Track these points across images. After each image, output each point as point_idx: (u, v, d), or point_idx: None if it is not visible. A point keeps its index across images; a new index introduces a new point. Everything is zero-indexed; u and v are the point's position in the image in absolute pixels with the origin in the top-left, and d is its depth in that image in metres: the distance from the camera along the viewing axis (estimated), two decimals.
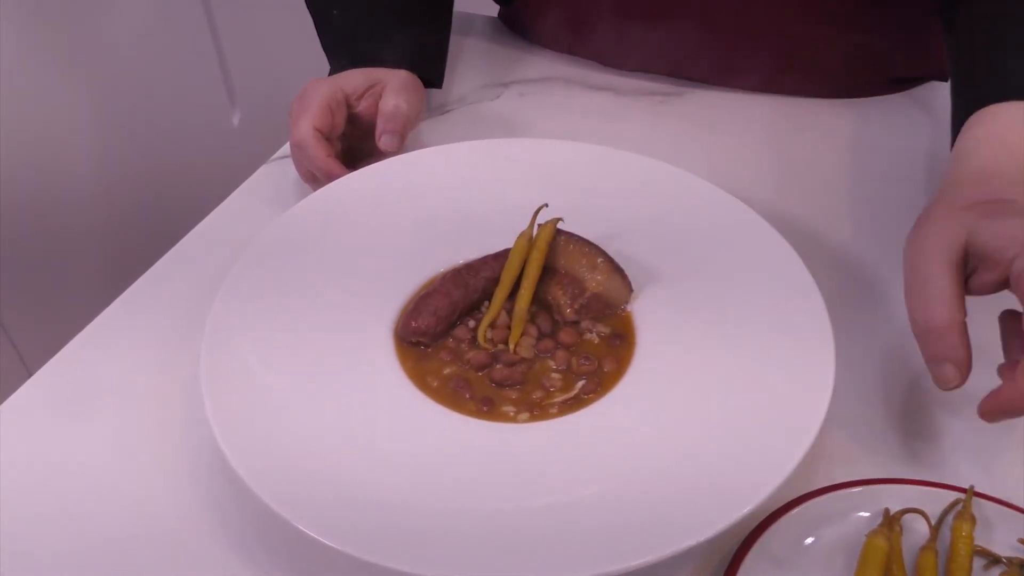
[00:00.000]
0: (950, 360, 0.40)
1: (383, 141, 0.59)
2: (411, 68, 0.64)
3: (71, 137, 1.10)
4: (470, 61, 0.76)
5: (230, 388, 0.44)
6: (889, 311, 0.53)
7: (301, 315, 0.49)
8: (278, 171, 0.64)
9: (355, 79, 0.62)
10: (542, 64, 0.76)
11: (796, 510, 0.40)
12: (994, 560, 0.39)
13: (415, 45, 0.65)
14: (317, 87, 0.60)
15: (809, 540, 0.40)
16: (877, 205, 0.61)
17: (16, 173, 1.04)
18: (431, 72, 0.67)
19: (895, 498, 0.41)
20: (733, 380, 0.45)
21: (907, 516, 0.40)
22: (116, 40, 1.11)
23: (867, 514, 0.41)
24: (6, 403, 0.48)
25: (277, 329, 0.48)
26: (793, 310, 0.47)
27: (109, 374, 0.50)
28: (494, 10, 0.82)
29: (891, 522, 0.40)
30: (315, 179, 0.60)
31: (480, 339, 0.48)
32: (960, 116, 0.49)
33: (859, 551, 0.39)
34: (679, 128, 0.69)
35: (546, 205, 0.52)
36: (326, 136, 0.59)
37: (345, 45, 0.65)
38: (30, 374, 0.50)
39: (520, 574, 0.37)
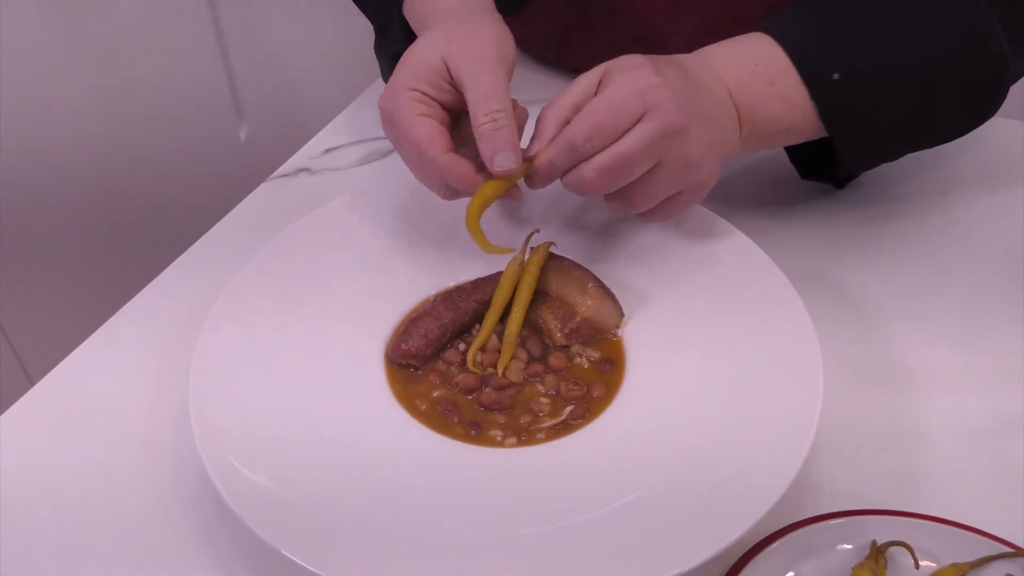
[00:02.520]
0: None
1: (497, 163, 0.46)
2: None
3: (77, 147, 1.11)
4: None
5: (218, 410, 0.44)
6: (880, 335, 0.53)
7: (291, 336, 0.49)
8: (277, 190, 0.65)
9: (430, 64, 0.49)
10: (538, 86, 0.75)
11: (777, 543, 0.40)
12: None
13: None
14: (395, 98, 0.48)
15: (791, 574, 0.40)
16: (869, 228, 0.61)
17: (22, 181, 1.05)
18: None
19: (880, 529, 0.41)
20: (722, 409, 0.45)
21: (894, 549, 0.40)
22: (125, 52, 1.12)
23: (850, 547, 0.41)
24: (5, 414, 0.49)
25: (267, 350, 0.48)
26: (783, 339, 0.47)
27: (105, 387, 0.50)
28: None
29: (876, 554, 0.40)
30: (452, 190, 0.50)
31: (469, 363, 0.49)
32: None
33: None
34: None
35: (538, 230, 0.52)
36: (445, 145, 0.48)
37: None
38: (31, 380, 0.51)
39: None
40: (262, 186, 0.65)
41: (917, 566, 0.40)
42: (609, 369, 0.49)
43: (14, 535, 0.43)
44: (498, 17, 0.53)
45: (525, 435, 0.45)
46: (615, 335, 0.51)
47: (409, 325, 0.49)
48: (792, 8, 0.53)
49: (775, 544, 0.40)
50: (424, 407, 0.47)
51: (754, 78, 0.51)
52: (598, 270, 0.52)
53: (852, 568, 0.40)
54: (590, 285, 0.50)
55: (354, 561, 0.38)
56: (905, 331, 0.53)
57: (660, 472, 0.42)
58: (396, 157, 0.61)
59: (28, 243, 1.08)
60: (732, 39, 0.53)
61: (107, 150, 1.14)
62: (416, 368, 0.49)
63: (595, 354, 0.50)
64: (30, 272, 1.09)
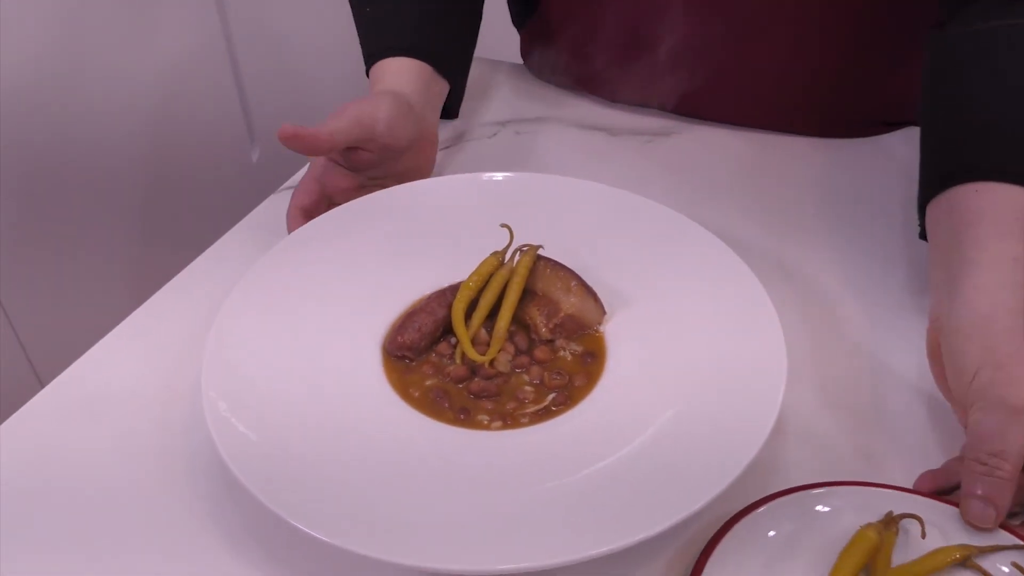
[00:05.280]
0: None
1: None
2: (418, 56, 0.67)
3: (94, 158, 1.16)
4: (474, 103, 0.81)
5: (228, 397, 0.47)
6: (847, 335, 0.57)
7: (297, 330, 0.52)
8: (285, 200, 0.69)
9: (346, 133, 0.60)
10: (540, 105, 0.81)
11: (760, 509, 0.43)
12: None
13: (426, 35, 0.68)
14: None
15: (772, 532, 0.43)
16: (850, 241, 0.65)
17: (35, 186, 1.09)
18: (444, 62, 0.68)
19: (879, 502, 0.44)
20: (692, 393, 0.48)
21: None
22: (142, 75, 1.17)
23: (827, 508, 0.44)
24: (26, 406, 0.53)
25: (273, 344, 0.51)
26: (752, 334, 0.50)
27: (119, 384, 0.54)
28: (504, 53, 0.88)
29: (889, 522, 0.42)
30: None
31: (457, 358, 0.52)
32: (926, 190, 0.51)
33: (822, 541, 0.42)
34: (664, 164, 0.74)
35: (526, 245, 0.56)
36: (330, 202, 0.62)
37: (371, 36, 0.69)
38: (40, 381, 0.54)
39: (484, 562, 0.40)
40: (271, 197, 0.70)
41: (923, 536, 0.42)
42: (591, 361, 0.52)
43: (38, 518, 0.46)
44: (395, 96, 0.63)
45: (510, 419, 0.49)
46: (597, 331, 0.54)
47: (405, 320, 0.53)
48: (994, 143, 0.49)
49: (759, 509, 0.43)
50: (417, 394, 0.50)
51: None
52: (583, 271, 0.56)
53: (860, 526, 0.42)
54: (573, 284, 0.54)
55: (352, 528, 0.41)
56: (872, 328, 0.57)
57: (632, 447, 0.45)
58: None
59: (45, 245, 1.12)
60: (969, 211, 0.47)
61: (128, 164, 1.20)
62: (411, 359, 0.52)
63: (578, 348, 0.53)
64: (45, 273, 1.12)
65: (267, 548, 0.45)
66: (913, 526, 0.43)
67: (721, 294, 0.54)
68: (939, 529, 0.43)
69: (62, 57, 1.07)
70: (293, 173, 0.72)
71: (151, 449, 0.50)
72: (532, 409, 0.49)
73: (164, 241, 1.24)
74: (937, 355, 0.47)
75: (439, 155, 0.72)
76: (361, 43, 0.70)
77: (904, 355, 0.55)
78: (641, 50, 0.75)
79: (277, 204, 0.69)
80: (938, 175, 0.51)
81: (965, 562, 0.42)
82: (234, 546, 0.45)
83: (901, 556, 0.42)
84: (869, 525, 0.42)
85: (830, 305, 0.59)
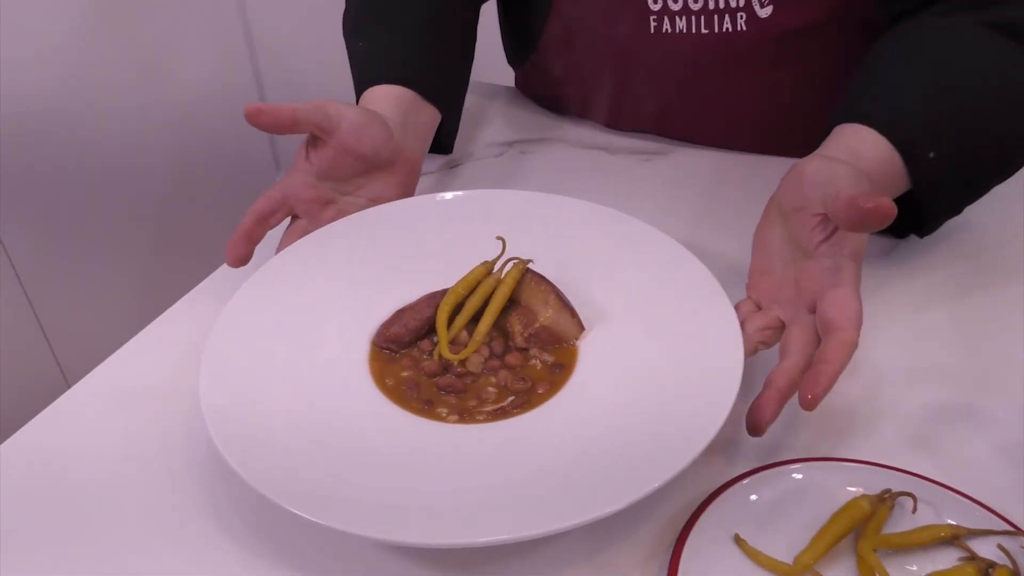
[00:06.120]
0: None
1: None
2: (409, 85, 0.70)
3: (126, 173, 1.26)
4: (481, 124, 0.87)
5: (224, 375, 0.53)
6: None
7: (294, 327, 0.58)
8: None
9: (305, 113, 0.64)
10: (543, 127, 0.86)
11: (743, 481, 0.47)
12: (972, 556, 0.43)
13: (417, 68, 0.72)
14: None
15: (753, 497, 0.47)
16: None
17: (72, 197, 1.19)
18: (435, 92, 0.72)
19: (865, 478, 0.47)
20: (646, 401, 0.52)
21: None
22: (176, 99, 1.29)
23: (800, 476, 0.47)
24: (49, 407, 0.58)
25: (270, 335, 0.57)
26: (712, 352, 0.53)
27: (137, 383, 0.59)
28: (509, 77, 0.94)
29: (885, 498, 0.45)
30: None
31: (435, 355, 0.57)
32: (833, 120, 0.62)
33: (809, 509, 0.46)
34: (660, 183, 0.77)
35: (516, 259, 0.60)
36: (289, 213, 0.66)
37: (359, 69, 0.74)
38: (67, 381, 0.61)
39: (434, 536, 0.44)
40: None
41: (914, 511, 0.45)
42: (558, 372, 0.56)
43: (65, 509, 0.51)
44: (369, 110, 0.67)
45: (467, 415, 0.53)
46: (573, 345, 0.58)
47: (394, 315, 0.59)
48: (876, 94, 0.62)
49: (744, 481, 0.47)
50: (391, 383, 0.55)
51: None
52: (571, 287, 0.60)
53: (852, 497, 0.45)
54: (552, 298, 0.58)
55: (319, 503, 0.45)
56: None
57: (574, 444, 0.50)
58: None
59: (74, 255, 1.22)
60: (840, 133, 0.60)
61: (160, 180, 1.31)
62: (394, 351, 0.58)
63: (550, 358, 0.57)
64: (73, 280, 1.22)
65: (247, 519, 0.50)
66: (907, 503, 0.46)
67: (688, 310, 0.57)
68: (932, 508, 0.45)
69: (98, 78, 1.17)
70: None
71: (174, 442, 0.54)
72: (490, 408, 0.54)
73: (189, 253, 1.34)
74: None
75: (448, 173, 0.77)
76: (353, 76, 0.74)
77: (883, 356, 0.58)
78: (633, 85, 0.80)
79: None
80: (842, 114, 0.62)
81: (952, 541, 0.44)
82: (222, 522, 0.50)
83: (891, 529, 0.45)
84: (864, 496, 0.45)
85: None
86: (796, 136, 0.73)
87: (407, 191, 0.71)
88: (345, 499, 0.46)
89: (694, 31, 0.74)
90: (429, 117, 0.73)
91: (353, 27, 0.77)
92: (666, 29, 0.74)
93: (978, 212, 0.68)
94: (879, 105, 0.61)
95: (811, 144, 0.62)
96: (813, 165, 0.56)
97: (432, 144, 0.75)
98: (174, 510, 0.51)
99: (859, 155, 0.58)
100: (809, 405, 0.47)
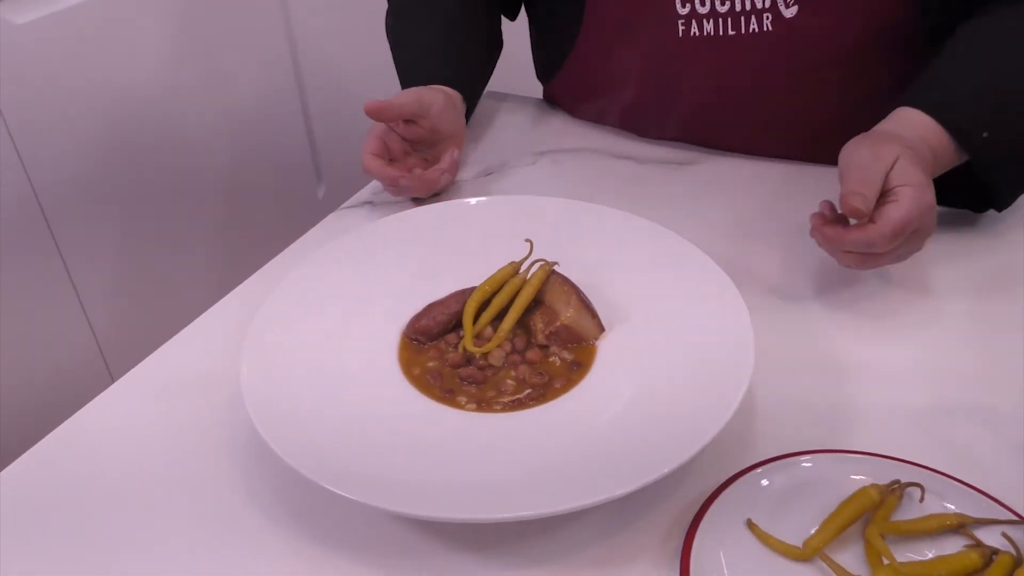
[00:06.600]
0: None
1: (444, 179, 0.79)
2: (448, 85, 0.83)
3: (178, 182, 1.31)
4: (515, 134, 0.91)
5: (266, 357, 0.56)
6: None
7: (333, 315, 0.61)
8: (344, 216, 0.79)
9: (410, 106, 0.78)
10: (575, 137, 0.89)
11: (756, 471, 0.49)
12: (977, 544, 0.44)
13: (452, 71, 0.85)
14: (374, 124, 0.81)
15: (765, 483, 0.48)
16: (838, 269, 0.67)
17: (134, 190, 1.24)
18: (465, 89, 0.86)
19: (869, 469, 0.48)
20: (658, 395, 0.53)
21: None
22: (227, 119, 1.35)
23: (811, 466, 0.49)
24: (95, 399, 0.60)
25: (309, 324, 0.60)
26: (725, 353, 0.54)
27: (185, 370, 0.62)
28: (539, 90, 0.99)
29: (895, 488, 0.46)
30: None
31: (460, 348, 0.59)
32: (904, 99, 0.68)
33: (819, 496, 0.47)
34: (687, 192, 0.80)
35: (542, 260, 0.62)
36: (389, 156, 0.79)
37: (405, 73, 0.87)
38: (112, 375, 0.63)
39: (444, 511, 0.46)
40: (333, 214, 0.79)
41: (922, 500, 0.46)
42: (576, 370, 0.57)
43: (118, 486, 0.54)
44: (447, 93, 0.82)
45: (485, 404, 0.55)
46: (593, 344, 0.59)
47: (425, 309, 0.61)
48: (930, 80, 0.68)
49: (758, 470, 0.49)
50: (416, 372, 0.57)
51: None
52: (595, 290, 0.62)
53: (862, 486, 0.46)
54: (574, 299, 0.60)
55: (346, 475, 0.48)
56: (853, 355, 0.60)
57: (597, 432, 0.52)
58: (446, 193, 0.79)
59: (129, 258, 1.26)
60: (894, 119, 0.66)
61: (208, 191, 1.37)
62: (422, 343, 0.60)
63: (569, 356, 0.59)
64: (123, 279, 1.27)
65: (278, 491, 0.53)
66: (915, 493, 0.47)
67: (712, 321, 0.58)
68: (939, 498, 0.46)
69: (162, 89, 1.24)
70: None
71: (217, 429, 0.57)
72: (507, 399, 0.55)
73: (232, 258, 1.42)
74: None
75: (484, 179, 0.83)
76: (400, 79, 0.87)
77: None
78: (663, 97, 0.83)
79: (338, 219, 0.79)
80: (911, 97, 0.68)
81: (958, 529, 0.44)
82: (255, 494, 0.53)
83: (899, 518, 0.46)
84: (873, 485, 0.46)
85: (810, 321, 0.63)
86: (824, 144, 0.76)
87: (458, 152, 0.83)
88: (370, 476, 0.48)
89: (721, 33, 0.76)
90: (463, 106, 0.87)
91: (393, 32, 0.91)
92: (694, 32, 0.77)
93: (995, 216, 0.71)
94: (930, 89, 0.67)
95: (836, 152, 0.64)
96: (850, 147, 0.63)
97: (468, 96, 0.88)
98: (215, 492, 0.53)
99: (921, 136, 0.64)
100: (811, 232, 0.63)
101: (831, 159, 0.64)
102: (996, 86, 0.66)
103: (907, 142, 0.63)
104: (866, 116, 0.68)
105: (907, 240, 0.61)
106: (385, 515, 0.51)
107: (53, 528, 0.51)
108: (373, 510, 0.48)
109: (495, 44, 0.94)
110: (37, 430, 0.58)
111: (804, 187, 0.79)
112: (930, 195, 0.61)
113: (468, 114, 0.90)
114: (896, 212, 0.59)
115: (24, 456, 0.56)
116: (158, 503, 0.53)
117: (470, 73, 0.89)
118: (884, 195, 0.60)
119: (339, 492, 0.46)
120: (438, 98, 0.80)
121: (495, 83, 0.95)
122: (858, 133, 0.65)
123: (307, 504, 0.52)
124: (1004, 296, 0.65)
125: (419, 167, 0.80)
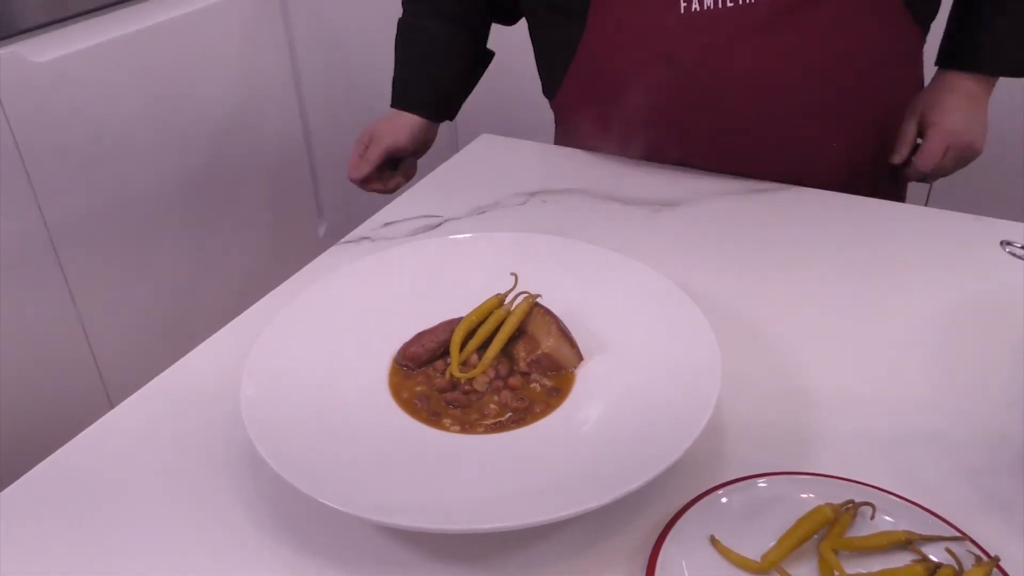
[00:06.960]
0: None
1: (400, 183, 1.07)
2: (424, 109, 1.02)
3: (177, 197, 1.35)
4: (509, 176, 0.95)
5: (263, 380, 0.59)
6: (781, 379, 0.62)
7: (328, 342, 0.64)
8: (342, 251, 0.83)
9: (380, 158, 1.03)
10: (567, 179, 0.94)
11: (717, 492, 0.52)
12: (923, 559, 0.47)
13: (429, 95, 1.03)
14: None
15: (727, 502, 0.51)
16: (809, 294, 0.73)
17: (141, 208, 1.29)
18: (441, 111, 1.05)
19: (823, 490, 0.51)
20: (629, 419, 0.57)
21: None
22: (228, 158, 1.41)
23: (770, 487, 0.52)
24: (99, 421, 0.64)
25: (306, 349, 0.63)
26: (693, 381, 0.58)
27: (186, 392, 0.65)
28: (540, 134, 1.05)
29: (848, 507, 0.49)
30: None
31: (447, 374, 0.62)
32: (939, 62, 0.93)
33: (778, 515, 0.50)
34: (667, 231, 0.84)
35: (526, 293, 0.66)
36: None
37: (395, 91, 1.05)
38: (111, 402, 0.66)
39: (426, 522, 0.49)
40: (331, 249, 0.83)
41: (872, 518, 0.50)
42: (555, 395, 0.61)
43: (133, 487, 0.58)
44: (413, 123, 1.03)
45: (468, 426, 0.58)
46: (572, 372, 0.63)
47: (415, 337, 0.65)
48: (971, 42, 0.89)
49: (719, 491, 0.52)
50: (405, 396, 0.61)
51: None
52: (575, 321, 0.65)
53: (817, 505, 0.49)
54: (554, 329, 0.63)
55: (343, 490, 0.51)
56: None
57: (572, 452, 0.55)
58: (440, 230, 0.83)
59: (128, 276, 1.30)
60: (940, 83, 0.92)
61: (211, 227, 1.42)
62: (412, 368, 0.63)
63: (549, 383, 0.62)
64: (123, 298, 1.30)
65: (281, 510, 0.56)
66: (868, 511, 0.50)
67: (683, 351, 0.61)
68: (890, 516, 0.50)
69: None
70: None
71: (214, 444, 0.60)
72: (489, 421, 0.59)
73: (235, 289, 1.47)
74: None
75: (476, 218, 0.88)
76: (393, 88, 1.03)
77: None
78: (657, 115, 0.89)
79: (335, 254, 0.82)
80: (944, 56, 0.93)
81: (907, 545, 0.48)
82: (251, 510, 0.55)
83: (852, 535, 0.49)
84: (828, 504, 0.49)
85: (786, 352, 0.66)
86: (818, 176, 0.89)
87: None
88: (360, 490, 0.52)
89: (719, 5, 0.82)
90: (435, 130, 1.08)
91: (395, 50, 1.06)
92: (695, 8, 0.83)
93: (955, 256, 0.76)
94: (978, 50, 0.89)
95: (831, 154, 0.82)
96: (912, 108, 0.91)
97: (443, 115, 1.07)
98: (213, 503, 0.56)
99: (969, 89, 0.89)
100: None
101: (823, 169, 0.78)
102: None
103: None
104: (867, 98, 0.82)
105: (951, 160, 0.89)
106: (372, 527, 0.54)
107: (52, 548, 0.54)
108: (362, 521, 0.51)
109: (481, 60, 1.08)
110: (35, 456, 0.61)
111: (780, 217, 0.85)
112: (950, 125, 0.88)
113: (451, 117, 1.09)
114: (919, 156, 0.90)
115: (24, 477, 0.59)
116: (158, 522, 0.55)
117: (446, 95, 1.06)
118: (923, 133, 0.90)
119: (331, 504, 0.49)
120: (403, 136, 1.02)
121: (499, 118, 1.02)
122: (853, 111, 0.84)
123: (302, 517, 0.55)
124: (964, 328, 0.69)
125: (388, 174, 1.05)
